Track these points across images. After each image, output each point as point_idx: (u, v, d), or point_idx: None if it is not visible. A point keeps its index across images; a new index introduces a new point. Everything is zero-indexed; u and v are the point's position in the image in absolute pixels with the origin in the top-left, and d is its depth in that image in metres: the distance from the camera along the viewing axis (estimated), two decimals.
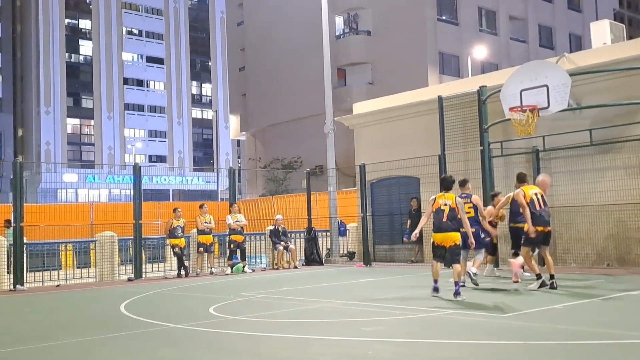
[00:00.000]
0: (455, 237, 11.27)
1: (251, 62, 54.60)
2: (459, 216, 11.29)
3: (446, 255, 11.36)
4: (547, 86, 15.02)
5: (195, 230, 19.73)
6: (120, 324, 9.83)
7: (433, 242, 11.56)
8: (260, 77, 52.52)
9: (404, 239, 20.59)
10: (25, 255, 17.03)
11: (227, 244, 20.10)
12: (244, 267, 19.56)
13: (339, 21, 46.65)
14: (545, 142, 16.89)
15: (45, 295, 15.19)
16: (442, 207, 11.30)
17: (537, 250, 12.51)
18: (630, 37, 21.36)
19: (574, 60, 17.16)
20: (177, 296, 13.98)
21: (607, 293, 11.17)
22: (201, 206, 19.86)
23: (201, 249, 19.31)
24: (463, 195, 12.99)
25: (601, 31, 18.97)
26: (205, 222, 19.36)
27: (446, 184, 11.69)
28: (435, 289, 11.25)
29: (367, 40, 45.27)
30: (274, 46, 50.37)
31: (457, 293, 10.91)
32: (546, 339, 7.40)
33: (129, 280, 18.17)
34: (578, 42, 52.19)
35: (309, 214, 22.86)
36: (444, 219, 11.26)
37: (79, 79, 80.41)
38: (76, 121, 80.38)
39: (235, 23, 59.29)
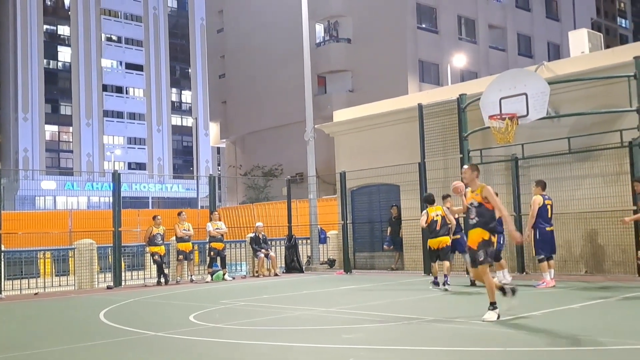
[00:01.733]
0: (446, 240, 14.08)
1: (231, 69, 54.55)
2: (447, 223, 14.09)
3: (440, 254, 14.06)
4: (526, 94, 15.15)
5: (174, 237, 19.64)
6: (100, 332, 9.76)
7: (430, 248, 14.32)
8: (241, 84, 52.49)
9: (384, 246, 20.63)
10: (2, 263, 16.87)
11: (207, 251, 20.03)
12: (224, 274, 19.50)
13: (319, 29, 46.78)
14: (524, 150, 17.01)
15: (23, 304, 15.05)
16: (435, 219, 14.03)
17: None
18: (607, 46, 21.59)
19: (552, 69, 17.31)
20: (157, 304, 13.91)
21: (585, 300, 11.26)
22: (179, 214, 19.77)
23: (181, 257, 19.24)
24: (446, 207, 14.56)
25: (579, 40, 19.15)
26: (184, 230, 19.29)
27: (429, 200, 14.41)
28: (436, 283, 13.97)
29: (347, 48, 45.43)
30: (254, 53, 50.39)
31: (446, 283, 13.76)
32: (525, 346, 7.45)
33: (108, 288, 18.06)
34: (556, 51, 52.72)
35: (290, 221, 22.86)
36: (438, 227, 14.02)
37: (58, 85, 79.82)
38: (54, 128, 79.75)
39: (215, 30, 59.24)
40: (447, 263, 13.98)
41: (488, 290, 9.29)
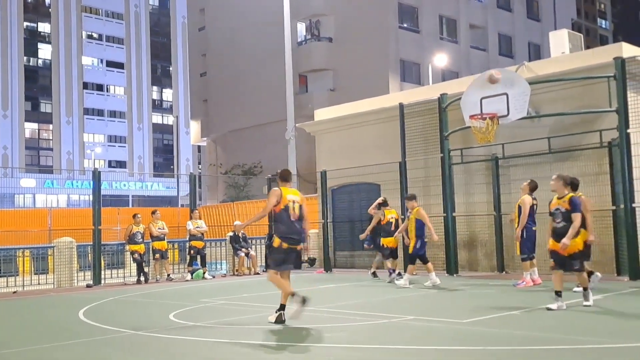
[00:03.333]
0: (396, 240, 16.17)
1: (213, 67, 54.38)
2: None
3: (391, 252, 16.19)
4: (506, 94, 15.22)
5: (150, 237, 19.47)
6: (79, 330, 9.70)
7: (384, 246, 16.21)
8: (222, 82, 52.34)
9: (365, 245, 20.62)
10: None
11: (187, 250, 19.95)
12: (204, 273, 19.42)
13: (301, 27, 46.74)
14: (504, 150, 17.10)
15: (1, 303, 14.91)
16: (390, 220, 16.16)
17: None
18: (587, 47, 21.74)
19: (533, 69, 17.40)
20: (136, 303, 13.85)
21: (565, 299, 11.28)
22: (153, 212, 19.60)
23: (157, 256, 19.14)
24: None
25: (559, 40, 19.27)
26: (159, 229, 19.19)
27: (385, 204, 16.61)
28: (375, 274, 17.01)
29: (328, 47, 45.42)
30: (236, 52, 50.26)
31: (391, 274, 15.82)
32: (504, 345, 7.49)
33: (88, 286, 17.94)
34: (537, 51, 53.04)
35: (270, 220, 22.78)
36: (392, 228, 16.06)
37: (38, 82, 79.28)
38: (34, 125, 79.20)
39: (196, 28, 59.00)
40: (395, 261, 16.31)
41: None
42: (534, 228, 13.72)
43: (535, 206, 13.84)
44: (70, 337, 9.12)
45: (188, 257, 19.86)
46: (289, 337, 8.64)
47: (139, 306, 13.26)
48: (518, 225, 13.60)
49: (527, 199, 13.62)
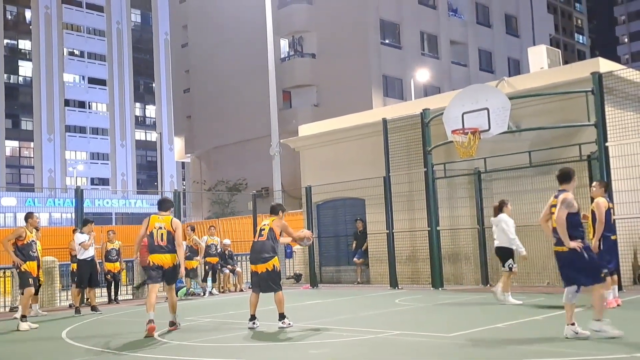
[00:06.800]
0: None
1: (196, 83, 54.39)
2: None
3: None
4: (487, 109, 15.37)
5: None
6: (62, 352, 9.64)
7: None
8: (205, 99, 52.36)
9: (355, 259, 20.67)
10: None
11: (202, 265, 20.22)
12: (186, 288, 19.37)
13: (284, 44, 46.95)
14: (486, 164, 17.24)
15: None
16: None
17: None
18: (565, 62, 22.01)
19: (512, 84, 17.59)
20: (120, 322, 13.79)
21: (548, 311, 11.42)
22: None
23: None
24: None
25: (538, 56, 19.49)
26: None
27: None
28: None
29: (312, 63, 45.62)
30: (219, 68, 50.33)
31: None
32: (490, 358, 7.53)
33: (71, 306, 17.79)
34: (516, 66, 53.59)
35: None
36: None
37: (18, 100, 78.87)
38: (15, 143, 78.76)
39: (179, 44, 59.05)
40: None
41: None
42: (612, 237, 11.70)
43: (612, 210, 11.81)
44: (54, 358, 9.06)
45: (202, 273, 20.18)
46: (275, 354, 8.65)
47: (123, 325, 13.19)
48: (594, 235, 11.48)
49: (601, 202, 11.53)
